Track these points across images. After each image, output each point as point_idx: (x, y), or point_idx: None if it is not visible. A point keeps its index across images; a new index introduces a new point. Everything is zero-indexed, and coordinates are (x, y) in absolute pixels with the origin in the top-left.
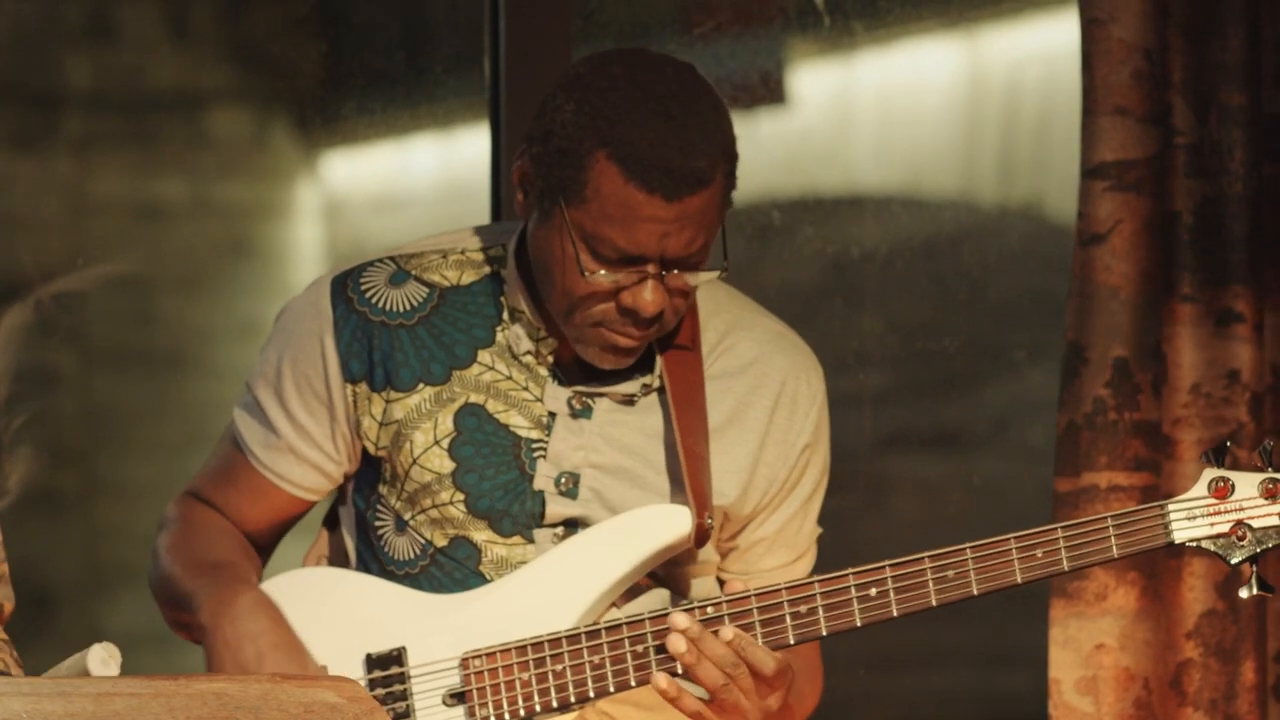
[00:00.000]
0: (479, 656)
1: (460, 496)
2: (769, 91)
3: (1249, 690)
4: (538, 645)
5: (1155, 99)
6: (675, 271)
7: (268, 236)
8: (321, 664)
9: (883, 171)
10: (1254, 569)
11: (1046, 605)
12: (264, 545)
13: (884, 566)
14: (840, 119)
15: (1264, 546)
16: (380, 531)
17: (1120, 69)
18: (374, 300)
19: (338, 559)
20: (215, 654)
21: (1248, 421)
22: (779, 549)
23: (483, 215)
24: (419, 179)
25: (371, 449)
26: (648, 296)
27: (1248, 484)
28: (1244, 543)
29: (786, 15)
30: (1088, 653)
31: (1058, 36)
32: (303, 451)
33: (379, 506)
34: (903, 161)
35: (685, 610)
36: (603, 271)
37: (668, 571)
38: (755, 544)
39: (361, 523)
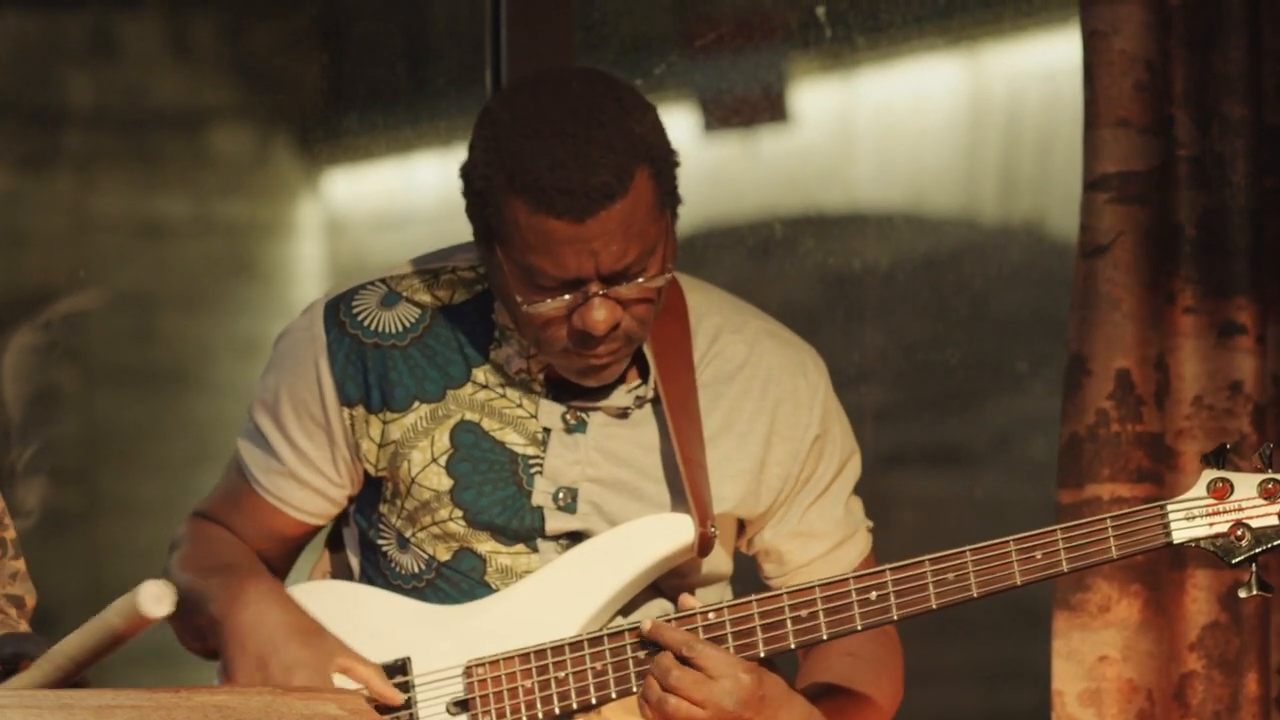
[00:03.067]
0: (482, 665)
1: (459, 513)
2: (770, 105)
3: (1252, 702)
4: (540, 653)
5: (1157, 111)
6: (621, 285)
7: (269, 254)
8: (338, 644)
9: (884, 187)
10: (1253, 569)
11: (1048, 619)
12: (274, 571)
13: (884, 570)
14: (842, 134)
15: (1263, 546)
16: (384, 549)
17: (1122, 81)
18: (366, 323)
19: (341, 576)
20: (228, 643)
21: (1250, 433)
22: (810, 542)
23: None
24: (421, 196)
25: (372, 471)
26: (596, 315)
27: (1247, 484)
28: (1243, 543)
29: (788, 28)
30: (1091, 665)
31: (1059, 53)
32: (304, 476)
33: (381, 525)
34: (904, 177)
35: (687, 616)
36: (549, 301)
37: (672, 582)
38: (781, 541)
39: (365, 541)
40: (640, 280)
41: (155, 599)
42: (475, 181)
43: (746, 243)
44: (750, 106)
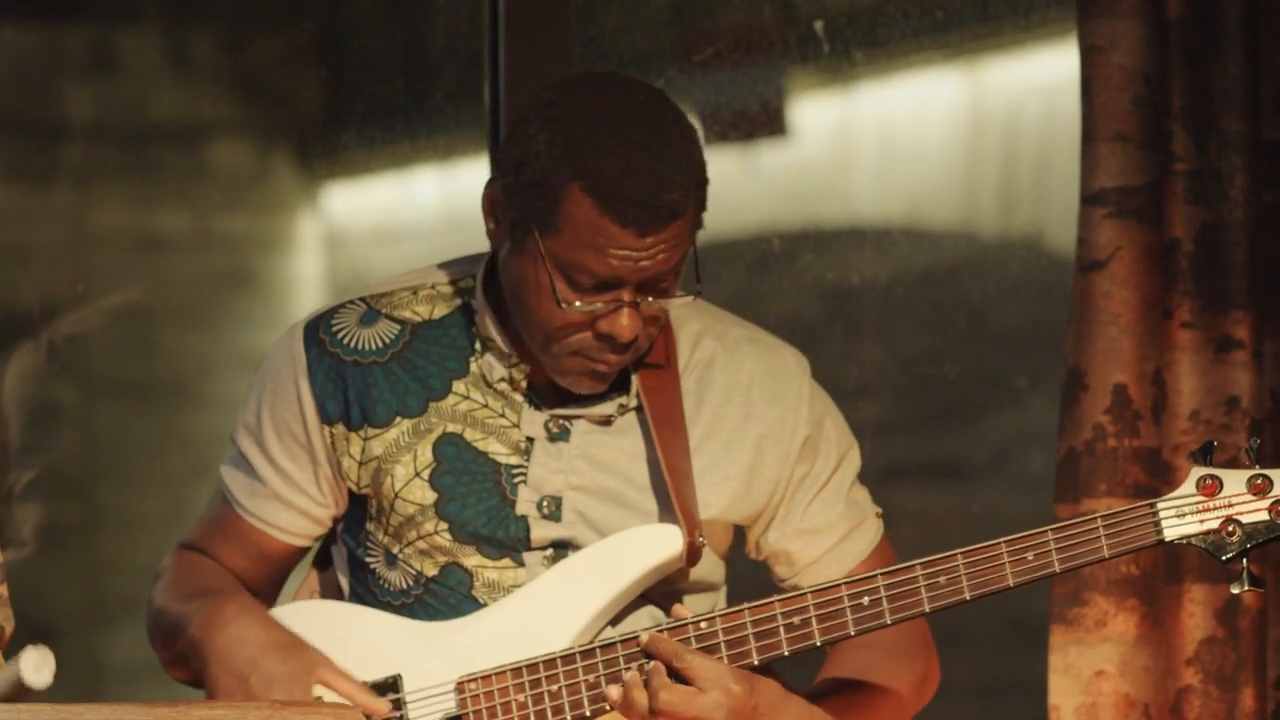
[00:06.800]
0: (474, 680)
1: (444, 526)
2: (769, 120)
3: (1248, 717)
4: (533, 667)
5: (1155, 125)
6: (650, 299)
7: (269, 268)
8: (319, 657)
9: (883, 201)
10: (1244, 565)
11: (1045, 634)
12: (262, 597)
13: (876, 575)
14: (841, 148)
15: (1254, 542)
16: (372, 566)
17: (1120, 95)
18: (346, 341)
19: (331, 595)
20: (209, 663)
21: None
22: (816, 538)
23: (483, 245)
24: (420, 209)
25: (354, 488)
26: (624, 322)
27: (1236, 480)
28: (1234, 539)
29: (787, 43)
30: (1088, 679)
31: (1058, 67)
32: (288, 497)
33: (368, 543)
34: (903, 191)
35: (680, 626)
36: (579, 303)
37: (663, 591)
38: (787, 541)
39: (353, 559)
40: (670, 295)
41: (35, 667)
42: (533, 172)
43: (745, 257)
44: (749, 121)
